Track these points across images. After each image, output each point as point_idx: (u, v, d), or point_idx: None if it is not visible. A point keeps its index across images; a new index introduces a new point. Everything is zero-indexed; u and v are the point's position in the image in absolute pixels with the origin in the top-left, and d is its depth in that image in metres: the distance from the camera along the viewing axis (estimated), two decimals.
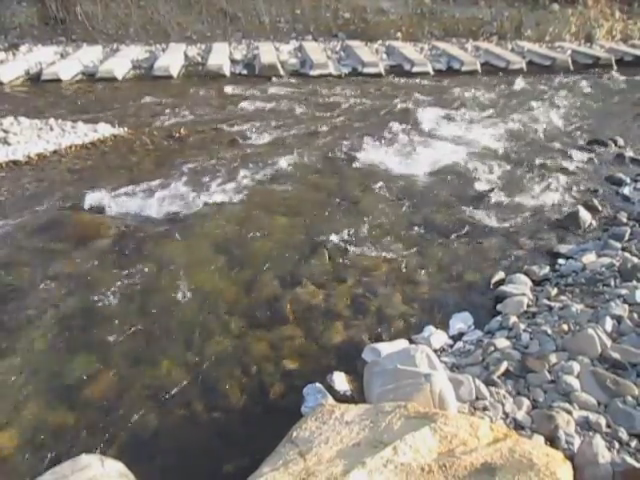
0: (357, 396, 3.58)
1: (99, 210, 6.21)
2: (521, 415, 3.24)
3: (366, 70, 13.19)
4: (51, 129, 8.40)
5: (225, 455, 3.31)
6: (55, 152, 7.80)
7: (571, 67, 14.16)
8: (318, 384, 3.67)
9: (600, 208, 6.37)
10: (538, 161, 7.92)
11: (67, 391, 3.75)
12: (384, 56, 14.45)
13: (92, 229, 5.81)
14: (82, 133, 8.43)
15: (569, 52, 15.13)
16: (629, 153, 8.25)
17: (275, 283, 4.96)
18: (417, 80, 12.73)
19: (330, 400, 3.49)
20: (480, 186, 7.02)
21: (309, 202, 6.54)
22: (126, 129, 8.79)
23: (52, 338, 4.22)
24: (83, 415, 3.57)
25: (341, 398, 3.55)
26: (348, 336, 4.31)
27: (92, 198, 6.38)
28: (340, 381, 3.73)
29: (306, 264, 5.25)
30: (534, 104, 10.83)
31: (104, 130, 8.62)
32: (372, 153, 7.93)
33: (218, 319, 4.48)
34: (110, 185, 6.76)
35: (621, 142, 8.70)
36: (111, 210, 6.19)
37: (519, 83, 12.58)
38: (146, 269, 5.10)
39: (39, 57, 12.87)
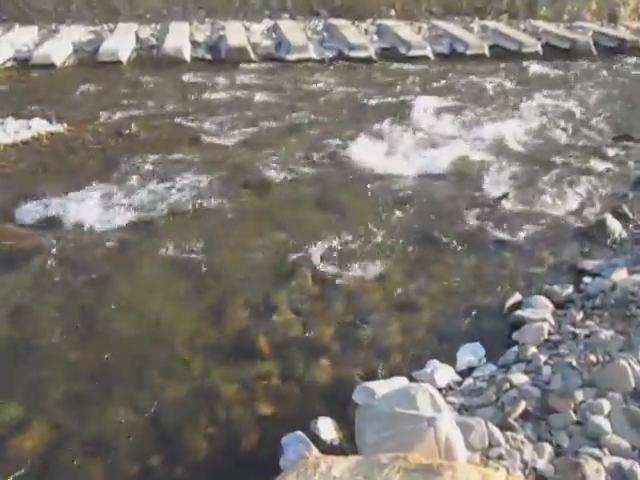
0: (347, 446, 3.55)
1: (32, 223, 6.13)
2: (543, 464, 3.24)
3: (353, 54, 13.30)
4: None
5: None
6: None
7: (593, 50, 14.45)
8: (300, 433, 3.63)
9: (631, 216, 6.47)
10: (558, 160, 8.05)
11: None
12: (375, 37, 14.59)
13: (23, 246, 5.72)
14: (12, 130, 8.34)
15: (590, 33, 15.45)
16: None
17: (246, 310, 4.94)
18: (414, 66, 12.87)
19: (314, 451, 3.46)
20: (490, 190, 7.11)
21: (287, 212, 6.55)
22: (66, 125, 8.74)
23: None
24: (10, 474, 3.49)
25: (328, 449, 3.52)
26: (335, 374, 4.30)
27: (24, 209, 6.32)
28: (326, 428, 3.70)
29: (284, 286, 5.24)
30: (552, 94, 11.02)
31: (39, 126, 8.54)
32: (361, 153, 7.99)
33: (177, 354, 4.43)
34: (46, 192, 6.68)
35: None
36: (47, 223, 6.13)
37: (533, 69, 12.81)
38: (89, 294, 5.05)
39: None
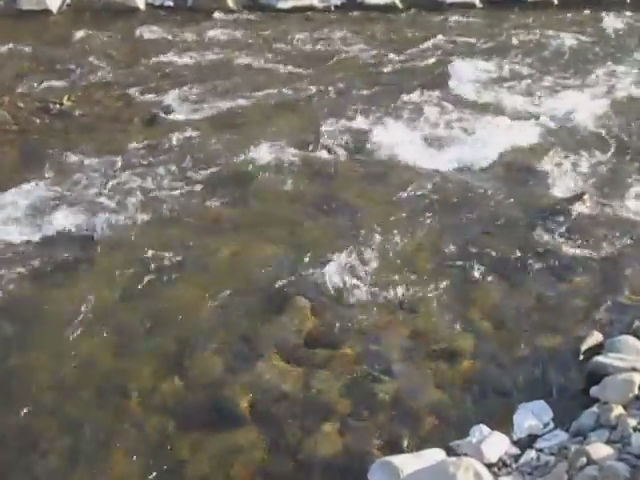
0: None
1: None
2: None
3: (370, 0, 13.37)
4: None
5: None
6: None
7: None
8: None
9: None
10: None
11: None
12: None
13: None
14: None
15: None
16: None
17: (221, 355, 4.96)
18: (454, 17, 12.80)
19: None
20: (560, 189, 7.11)
21: (278, 219, 6.59)
22: None
23: None
24: None
25: None
26: (344, 444, 4.29)
27: None
28: None
29: (273, 322, 5.26)
30: None
31: None
32: (380, 138, 8.01)
33: (128, 418, 4.45)
34: None
35: None
36: None
37: (618, 22, 12.69)
38: (4, 332, 5.11)
39: None
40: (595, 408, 4.38)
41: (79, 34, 11.48)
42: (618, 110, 9.04)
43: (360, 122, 8.45)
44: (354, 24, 12.42)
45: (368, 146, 7.92)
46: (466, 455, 3.85)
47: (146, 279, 5.72)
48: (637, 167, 7.61)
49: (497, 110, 8.86)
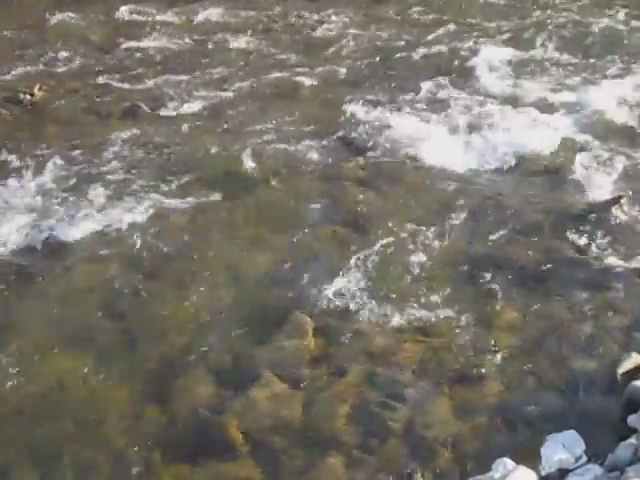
0: None
1: None
2: None
3: None
4: None
5: None
6: None
7: None
8: None
9: None
10: None
11: None
12: None
13: None
14: None
15: None
16: None
17: (211, 378, 4.97)
18: None
19: None
20: (592, 193, 7.12)
21: (276, 226, 6.62)
22: None
23: None
24: None
25: None
26: (351, 479, 4.29)
27: None
28: None
29: (270, 341, 5.28)
30: None
31: None
32: (391, 134, 8.05)
33: (110, 450, 4.45)
34: None
35: None
36: None
37: None
38: None
39: None
40: (633, 439, 4.36)
41: (51, 15, 11.55)
42: None
43: (369, 115, 8.48)
44: (362, 4, 12.47)
45: (378, 142, 7.95)
46: None
47: (126, 292, 5.75)
48: None
49: (523, 102, 8.89)
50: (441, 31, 11.26)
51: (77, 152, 7.65)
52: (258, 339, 5.32)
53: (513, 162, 7.66)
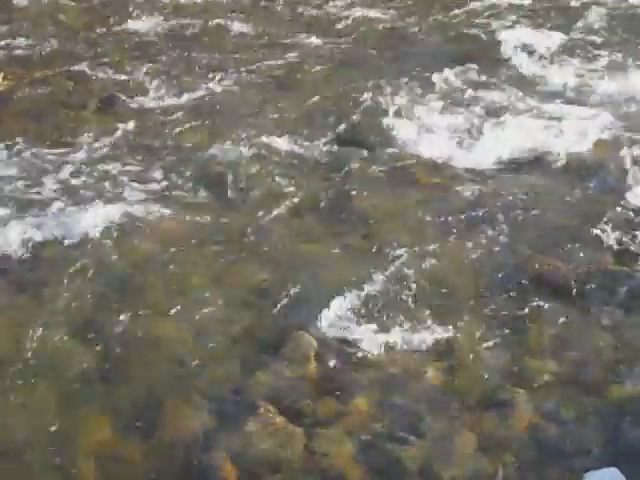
0: None
1: None
2: None
3: None
4: None
5: None
6: None
7: None
8: None
9: None
10: None
11: None
12: None
13: None
14: None
15: None
16: None
17: (201, 411, 4.98)
18: None
19: None
20: (633, 195, 7.16)
21: (271, 234, 6.68)
22: None
23: None
24: None
25: None
26: None
27: None
28: None
29: (266, 367, 5.31)
30: None
31: None
32: (405, 126, 8.13)
33: None
34: None
35: None
36: None
37: None
38: None
39: None
40: None
41: None
42: None
43: (379, 106, 8.57)
44: None
45: (390, 137, 8.06)
46: None
47: (103, 311, 5.79)
48: None
49: (551, 91, 9.04)
50: (463, 12, 11.37)
51: (46, 150, 7.72)
52: (253, 364, 5.33)
53: (543, 159, 7.74)
